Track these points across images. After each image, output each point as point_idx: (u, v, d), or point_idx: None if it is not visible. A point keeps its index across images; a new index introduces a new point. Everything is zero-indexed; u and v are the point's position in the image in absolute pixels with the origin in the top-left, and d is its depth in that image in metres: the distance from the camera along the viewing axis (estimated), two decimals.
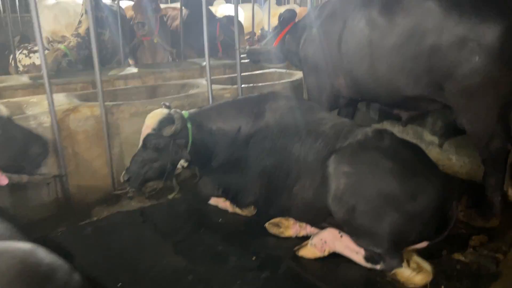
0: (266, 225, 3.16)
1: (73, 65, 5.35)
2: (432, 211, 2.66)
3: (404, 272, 2.62)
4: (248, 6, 11.42)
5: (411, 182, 2.65)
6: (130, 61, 7.25)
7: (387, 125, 4.90)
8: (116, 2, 7.19)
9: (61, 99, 3.71)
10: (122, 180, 3.36)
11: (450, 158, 4.33)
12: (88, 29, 5.73)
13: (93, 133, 3.59)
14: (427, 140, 4.50)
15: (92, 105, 3.65)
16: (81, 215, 3.44)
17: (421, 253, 2.77)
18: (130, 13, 7.22)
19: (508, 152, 3.19)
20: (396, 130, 4.69)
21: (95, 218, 3.41)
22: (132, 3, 7.60)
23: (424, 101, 3.54)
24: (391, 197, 2.62)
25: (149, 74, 5.54)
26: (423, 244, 2.78)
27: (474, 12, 2.99)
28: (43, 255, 1.71)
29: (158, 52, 7.30)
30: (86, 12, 5.82)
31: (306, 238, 3.00)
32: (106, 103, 3.63)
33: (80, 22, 5.86)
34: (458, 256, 2.86)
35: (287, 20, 4.47)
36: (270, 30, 5.01)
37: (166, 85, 4.85)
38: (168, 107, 3.55)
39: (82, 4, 5.99)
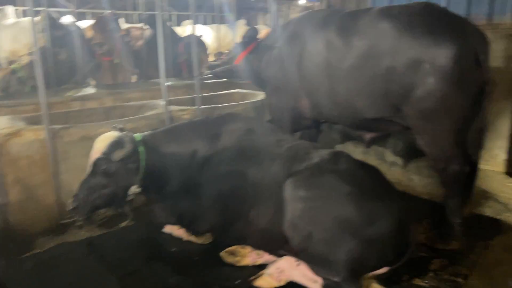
0: (222, 253, 3.01)
1: (23, 83, 5.12)
2: (390, 236, 2.58)
3: None
4: (218, 26, 11.48)
5: (368, 207, 2.58)
6: (91, 82, 7.06)
7: (350, 146, 4.89)
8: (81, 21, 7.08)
9: (3, 122, 3.48)
10: (69, 207, 3.14)
11: (412, 179, 4.33)
12: (43, 48, 5.57)
13: (38, 158, 3.37)
14: (389, 161, 4.49)
15: (36, 128, 3.43)
16: (23, 247, 3.19)
17: (381, 279, 2.68)
18: (90, 33, 7.06)
19: (466, 175, 3.16)
20: (359, 151, 4.68)
21: (37, 250, 3.17)
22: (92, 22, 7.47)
23: (384, 123, 3.52)
24: (348, 222, 2.54)
25: (108, 95, 5.35)
26: (383, 270, 2.70)
27: (426, 34, 3.01)
28: None
29: (120, 73, 7.13)
30: (42, 30, 5.67)
31: (264, 266, 2.87)
32: (54, 126, 3.43)
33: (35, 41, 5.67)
34: (418, 281, 2.80)
35: (250, 39, 4.42)
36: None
37: (123, 106, 4.68)
38: (120, 130, 3.40)
39: (38, 23, 5.80)
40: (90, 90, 5.52)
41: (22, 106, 4.60)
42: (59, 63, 5.74)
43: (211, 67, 7.31)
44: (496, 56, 4.41)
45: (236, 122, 3.43)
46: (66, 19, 7.96)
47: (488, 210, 3.87)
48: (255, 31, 4.52)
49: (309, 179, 2.72)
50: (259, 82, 4.43)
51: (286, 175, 2.82)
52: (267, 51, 4.16)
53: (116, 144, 3.16)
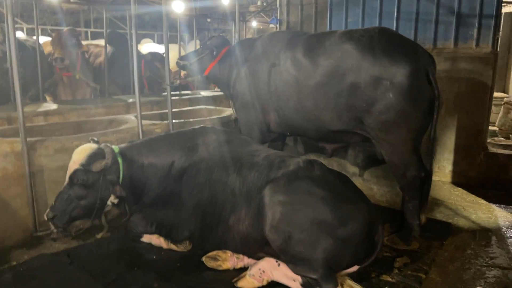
0: (203, 258, 3.12)
1: None
2: (361, 236, 2.80)
3: None
4: (174, 46, 11.61)
5: (341, 209, 2.78)
6: (48, 98, 6.92)
7: (313, 157, 5.15)
8: (33, 37, 6.95)
9: None
10: (46, 218, 3.14)
11: (372, 188, 4.66)
12: None
13: (13, 171, 3.34)
14: (350, 172, 4.80)
15: (12, 140, 3.41)
16: None
17: (352, 276, 2.89)
18: (48, 49, 6.96)
19: (422, 179, 3.51)
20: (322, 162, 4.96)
21: (14, 263, 3.11)
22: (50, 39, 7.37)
23: (347, 134, 3.82)
24: (324, 223, 2.72)
25: (71, 111, 5.31)
26: (354, 268, 2.91)
27: (385, 55, 3.36)
28: None
29: (79, 88, 7.04)
30: None
31: (244, 269, 3.01)
32: (30, 139, 3.42)
33: None
34: (385, 277, 3.05)
35: (218, 48, 4.42)
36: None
37: (93, 121, 4.70)
38: (96, 142, 3.45)
39: None
40: (51, 106, 5.45)
41: None
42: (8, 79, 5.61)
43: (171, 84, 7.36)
44: (440, 77, 4.91)
45: (212, 134, 3.59)
46: (18, 35, 7.78)
47: (440, 215, 4.27)
48: (224, 40, 4.54)
49: (287, 185, 2.90)
50: (225, 91, 4.57)
51: (265, 182, 3.00)
52: (234, 67, 4.30)
53: (95, 156, 3.22)
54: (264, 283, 2.85)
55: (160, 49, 11.29)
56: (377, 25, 5.51)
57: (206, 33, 16.49)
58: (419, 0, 5.21)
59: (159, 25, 16.85)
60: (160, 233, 3.40)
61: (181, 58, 4.72)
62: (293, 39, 4.00)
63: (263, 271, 2.87)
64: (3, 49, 5.63)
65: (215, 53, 4.39)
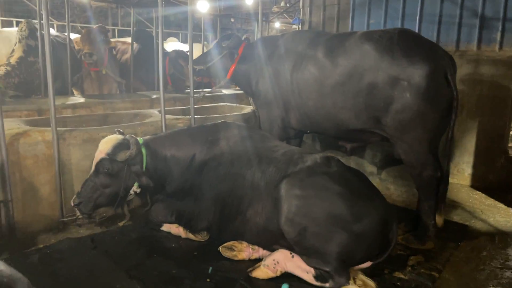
0: (220, 248, 3.23)
1: (4, 93, 5.20)
2: (376, 232, 2.86)
3: None
4: (197, 45, 11.80)
5: (357, 205, 2.85)
6: (75, 91, 7.16)
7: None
8: (64, 33, 7.19)
9: (10, 124, 3.62)
10: (72, 204, 3.30)
11: (389, 188, 4.69)
12: (20, 57, 5.67)
13: (43, 159, 3.52)
14: (368, 171, 4.84)
15: (43, 130, 3.59)
16: (26, 242, 3.31)
17: (365, 272, 2.95)
18: (79, 44, 7.21)
19: (438, 179, 3.54)
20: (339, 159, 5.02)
21: (41, 245, 3.29)
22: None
23: (365, 133, 3.87)
24: (339, 218, 2.80)
25: (98, 104, 5.52)
26: (367, 264, 2.98)
27: (404, 56, 3.41)
28: (3, 267, 1.69)
29: (106, 84, 7.29)
30: (19, 41, 5.77)
31: (259, 260, 3.10)
32: (59, 129, 3.59)
33: (13, 50, 5.80)
34: (398, 274, 3.09)
35: (235, 49, 4.48)
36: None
37: (118, 114, 4.87)
38: (122, 134, 3.59)
39: (17, 33, 5.91)
40: (79, 99, 5.66)
41: (16, 112, 4.73)
42: (36, 72, 5.80)
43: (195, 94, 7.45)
44: (462, 80, 4.92)
45: (233, 129, 3.69)
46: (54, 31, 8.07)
47: (457, 217, 4.26)
48: (239, 39, 4.57)
49: (303, 179, 2.98)
50: (247, 89, 4.67)
51: (282, 177, 3.09)
52: (257, 65, 4.38)
53: (120, 146, 3.36)
54: (278, 273, 2.93)
55: (184, 47, 11.49)
56: (399, 26, 5.53)
57: (228, 32, 16.65)
58: (442, 2, 5.21)
59: (183, 25, 17.12)
60: (179, 222, 3.53)
61: (195, 62, 4.72)
62: (315, 39, 4.07)
63: (277, 262, 2.95)
64: (29, 43, 5.85)
65: (236, 56, 4.46)
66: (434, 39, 5.25)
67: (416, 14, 5.37)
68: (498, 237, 3.84)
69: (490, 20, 4.95)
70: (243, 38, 4.77)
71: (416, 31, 5.37)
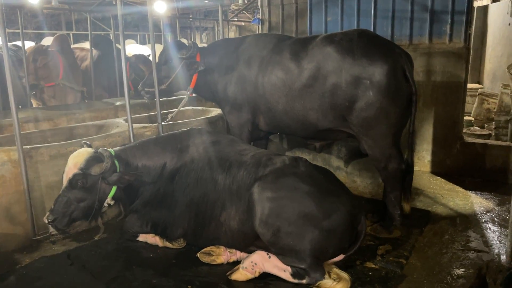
0: (198, 254, 3.30)
1: None
2: (345, 227, 3.01)
3: (327, 283, 2.91)
4: (158, 46, 11.65)
5: (325, 202, 2.99)
6: (34, 102, 6.91)
7: (297, 154, 5.37)
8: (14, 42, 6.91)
9: None
10: (46, 221, 3.27)
11: (355, 180, 4.88)
12: None
13: (11, 178, 3.46)
14: (335, 166, 5.02)
15: (8, 149, 3.52)
16: (0, 264, 3.26)
17: (339, 265, 3.11)
18: (27, 64, 6.86)
19: (402, 171, 3.74)
20: (306, 158, 5.17)
21: (17, 266, 3.25)
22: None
23: (333, 132, 4.03)
24: (309, 216, 2.93)
25: (61, 116, 5.39)
26: (340, 257, 3.14)
27: (364, 56, 3.57)
28: None
29: (68, 94, 7.06)
30: None
31: (237, 263, 3.20)
32: (24, 147, 3.53)
33: None
34: (369, 264, 3.27)
35: (195, 55, 4.41)
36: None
37: (84, 126, 4.81)
38: (90, 146, 3.58)
39: None
40: (39, 112, 5.49)
41: None
42: None
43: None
44: (417, 72, 5.16)
45: (201, 135, 3.75)
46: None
47: (420, 204, 4.50)
48: (194, 46, 4.42)
49: (274, 181, 3.09)
50: (211, 97, 4.69)
51: (253, 180, 3.19)
52: (222, 72, 4.37)
53: (93, 159, 3.36)
54: (257, 274, 3.04)
55: (143, 49, 11.33)
56: (355, 23, 5.72)
57: (188, 31, 16.53)
58: None
59: (141, 25, 16.83)
60: (155, 232, 3.56)
61: (143, 84, 4.71)
62: (279, 44, 4.15)
63: (255, 264, 3.05)
64: None
65: (195, 65, 4.40)
66: (388, 34, 5.47)
67: (371, 10, 5.56)
68: (458, 220, 4.09)
69: (440, 14, 5.20)
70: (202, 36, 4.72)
71: (371, 27, 5.57)
